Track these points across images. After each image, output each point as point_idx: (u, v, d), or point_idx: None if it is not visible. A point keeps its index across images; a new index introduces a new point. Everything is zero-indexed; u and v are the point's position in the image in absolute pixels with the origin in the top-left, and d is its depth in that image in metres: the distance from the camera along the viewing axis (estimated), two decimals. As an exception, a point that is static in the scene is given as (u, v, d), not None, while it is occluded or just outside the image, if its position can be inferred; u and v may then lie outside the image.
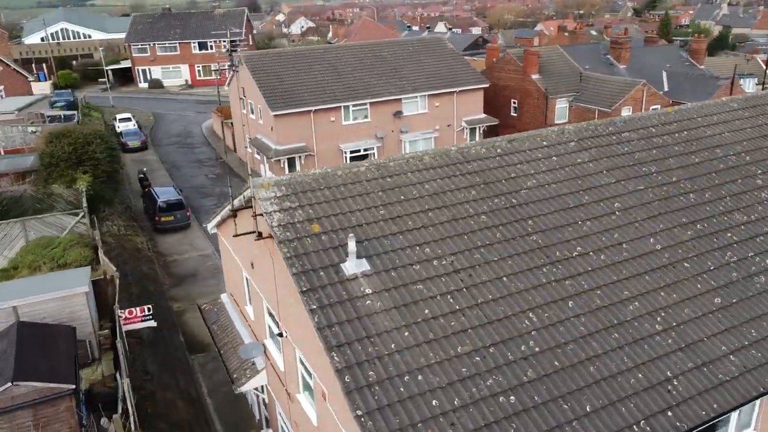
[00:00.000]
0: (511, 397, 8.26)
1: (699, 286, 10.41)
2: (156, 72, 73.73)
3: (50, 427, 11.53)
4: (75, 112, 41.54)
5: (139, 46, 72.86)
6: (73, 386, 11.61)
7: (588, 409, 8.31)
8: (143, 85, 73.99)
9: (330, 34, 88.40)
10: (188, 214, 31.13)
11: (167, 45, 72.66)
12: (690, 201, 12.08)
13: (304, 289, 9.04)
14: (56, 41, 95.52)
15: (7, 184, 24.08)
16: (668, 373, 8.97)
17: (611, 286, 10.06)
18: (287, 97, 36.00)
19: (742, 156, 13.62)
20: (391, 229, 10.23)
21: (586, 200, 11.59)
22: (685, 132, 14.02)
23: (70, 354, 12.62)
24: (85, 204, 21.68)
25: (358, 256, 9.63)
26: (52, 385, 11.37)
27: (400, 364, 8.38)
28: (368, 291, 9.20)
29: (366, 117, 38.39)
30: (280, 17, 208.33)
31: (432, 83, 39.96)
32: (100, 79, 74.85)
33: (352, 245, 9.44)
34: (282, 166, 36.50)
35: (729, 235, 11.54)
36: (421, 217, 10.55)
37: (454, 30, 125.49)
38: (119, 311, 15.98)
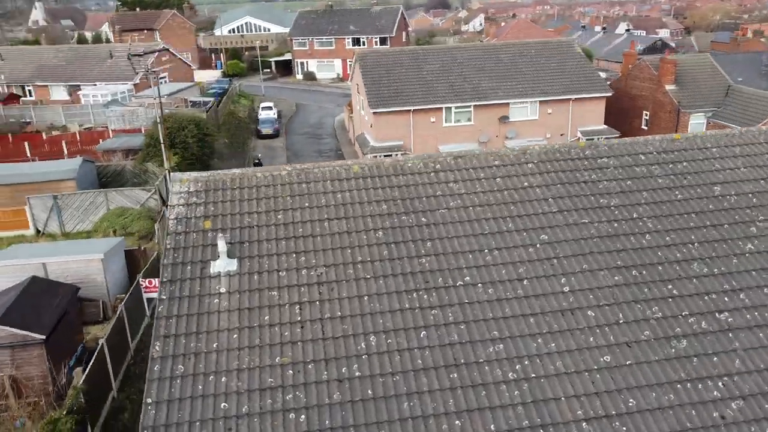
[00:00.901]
0: (302, 416, 8.16)
1: (591, 339, 9.17)
2: (312, 65, 78.95)
3: (24, 369, 13.58)
4: (212, 98, 46.18)
5: (300, 40, 78.49)
6: (44, 336, 13.52)
7: (377, 445, 7.91)
8: (299, 77, 79.69)
9: (483, 33, 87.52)
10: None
11: (324, 40, 77.35)
12: (641, 243, 10.56)
13: (164, 280, 9.68)
14: (240, 34, 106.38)
15: (117, 159, 27.91)
16: (492, 426, 8.14)
17: (480, 323, 9.29)
18: (389, 95, 36.74)
19: (748, 198, 11.49)
20: (278, 234, 10.46)
21: (508, 228, 10.71)
22: (685, 163, 12.16)
23: (59, 309, 14.65)
24: (157, 182, 24.45)
25: (231, 256, 10.03)
26: (24, 332, 13.38)
27: (213, 363, 8.68)
28: (222, 290, 9.59)
29: (469, 120, 37.82)
30: (463, 14, 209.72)
31: (546, 88, 38.11)
32: (264, 70, 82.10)
33: (221, 245, 9.87)
34: (378, 162, 37.34)
35: (669, 287, 9.92)
36: (314, 226, 10.62)
37: (634, 31, 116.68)
38: (141, 280, 17.97)
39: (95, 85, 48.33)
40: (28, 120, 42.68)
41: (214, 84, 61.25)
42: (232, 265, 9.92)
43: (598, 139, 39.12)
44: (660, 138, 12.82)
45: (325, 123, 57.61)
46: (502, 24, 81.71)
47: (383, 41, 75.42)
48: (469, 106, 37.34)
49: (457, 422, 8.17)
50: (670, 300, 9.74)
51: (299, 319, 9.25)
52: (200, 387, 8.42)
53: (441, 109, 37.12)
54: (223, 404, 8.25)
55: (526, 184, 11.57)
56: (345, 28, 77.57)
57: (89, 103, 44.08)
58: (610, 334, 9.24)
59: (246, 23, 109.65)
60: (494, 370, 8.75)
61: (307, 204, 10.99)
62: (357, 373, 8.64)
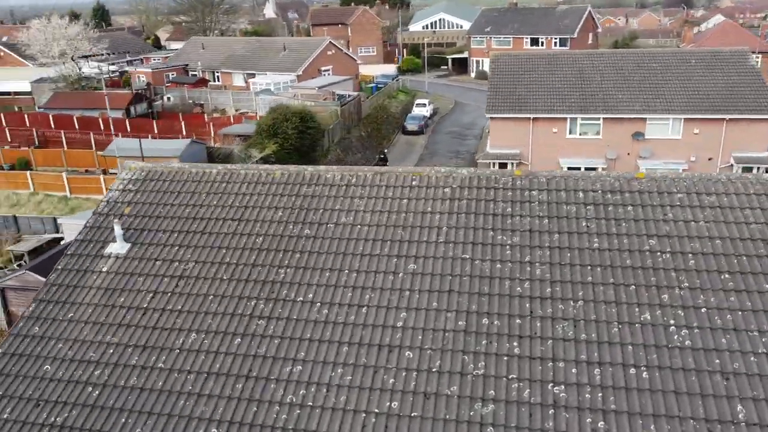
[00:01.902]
0: (96, 392, 9.03)
1: (392, 380, 8.55)
2: (486, 64, 78.00)
3: (46, 309, 16.41)
4: (359, 93, 48.48)
5: (478, 39, 78.06)
6: (60, 286, 16.18)
7: (135, 433, 8.49)
8: (473, 75, 79.37)
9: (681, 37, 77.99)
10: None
11: (501, 39, 75.94)
12: (513, 290, 9.45)
13: (68, 253, 11.22)
14: (432, 30, 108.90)
15: (233, 143, 31.25)
16: (241, 442, 8.18)
17: (294, 342, 9.22)
18: (510, 100, 35.41)
19: (685, 258, 9.56)
20: (176, 227, 11.38)
21: (382, 252, 10.33)
22: (630, 208, 10.46)
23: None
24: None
25: (128, 241, 11.23)
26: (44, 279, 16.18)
27: (59, 331, 9.95)
28: (104, 269, 10.82)
29: (597, 133, 34.86)
30: (700, 13, 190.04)
31: (695, 104, 33.51)
32: (442, 67, 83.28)
33: (117, 229, 11.12)
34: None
35: (514, 344, 8.80)
36: (209, 224, 11.34)
37: None
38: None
39: (265, 74, 53.90)
40: (202, 102, 49.38)
41: (380, 78, 63.96)
42: (124, 248, 11.10)
43: (758, 169, 33.32)
44: (617, 176, 11.13)
45: (477, 124, 56.90)
46: (701, 28, 72.12)
47: (563, 42, 71.73)
48: (598, 119, 34.30)
49: (213, 431, 8.39)
50: (506, 358, 8.67)
51: (146, 306, 10.11)
52: (39, 348, 9.75)
53: (565, 119, 34.67)
54: (46, 367, 9.48)
55: (429, 209, 10.95)
56: (525, 27, 75.25)
57: (255, 91, 49.41)
58: (413, 381, 8.57)
59: (440, 19, 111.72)
60: (278, 390, 8.72)
61: (215, 203, 11.73)
62: (160, 365, 9.26)
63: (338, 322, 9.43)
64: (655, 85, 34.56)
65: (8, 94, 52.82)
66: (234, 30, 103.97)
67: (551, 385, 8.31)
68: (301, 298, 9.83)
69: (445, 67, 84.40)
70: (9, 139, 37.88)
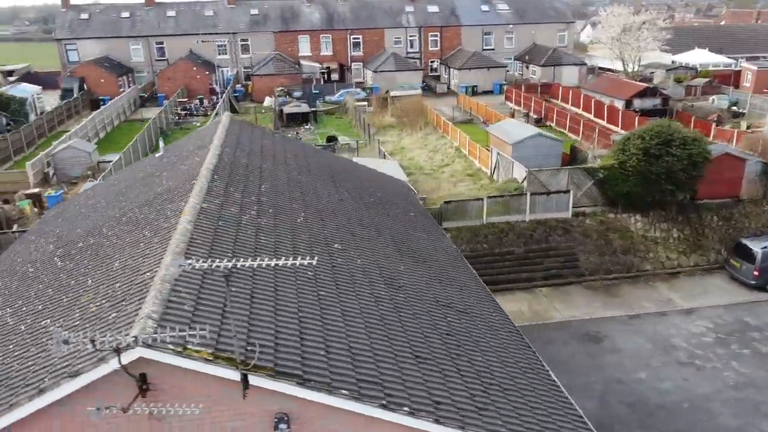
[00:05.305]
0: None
1: None
2: None
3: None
4: None
5: None
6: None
7: None
8: None
9: None
10: (755, 273, 24.33)
11: None
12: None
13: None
14: None
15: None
16: None
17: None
18: None
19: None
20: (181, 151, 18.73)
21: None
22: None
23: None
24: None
25: (166, 149, 19.48)
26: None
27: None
28: (154, 155, 19.60)
29: None
30: None
31: None
32: None
33: (161, 143, 19.52)
34: None
35: None
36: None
37: None
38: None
39: None
40: (741, 111, 40.98)
41: None
42: (161, 152, 19.41)
43: None
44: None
45: None
46: None
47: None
48: None
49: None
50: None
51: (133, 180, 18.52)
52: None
53: None
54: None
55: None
56: None
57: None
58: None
59: None
60: None
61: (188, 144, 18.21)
62: None
63: None
64: None
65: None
66: None
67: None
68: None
69: None
70: (532, 107, 45.68)
